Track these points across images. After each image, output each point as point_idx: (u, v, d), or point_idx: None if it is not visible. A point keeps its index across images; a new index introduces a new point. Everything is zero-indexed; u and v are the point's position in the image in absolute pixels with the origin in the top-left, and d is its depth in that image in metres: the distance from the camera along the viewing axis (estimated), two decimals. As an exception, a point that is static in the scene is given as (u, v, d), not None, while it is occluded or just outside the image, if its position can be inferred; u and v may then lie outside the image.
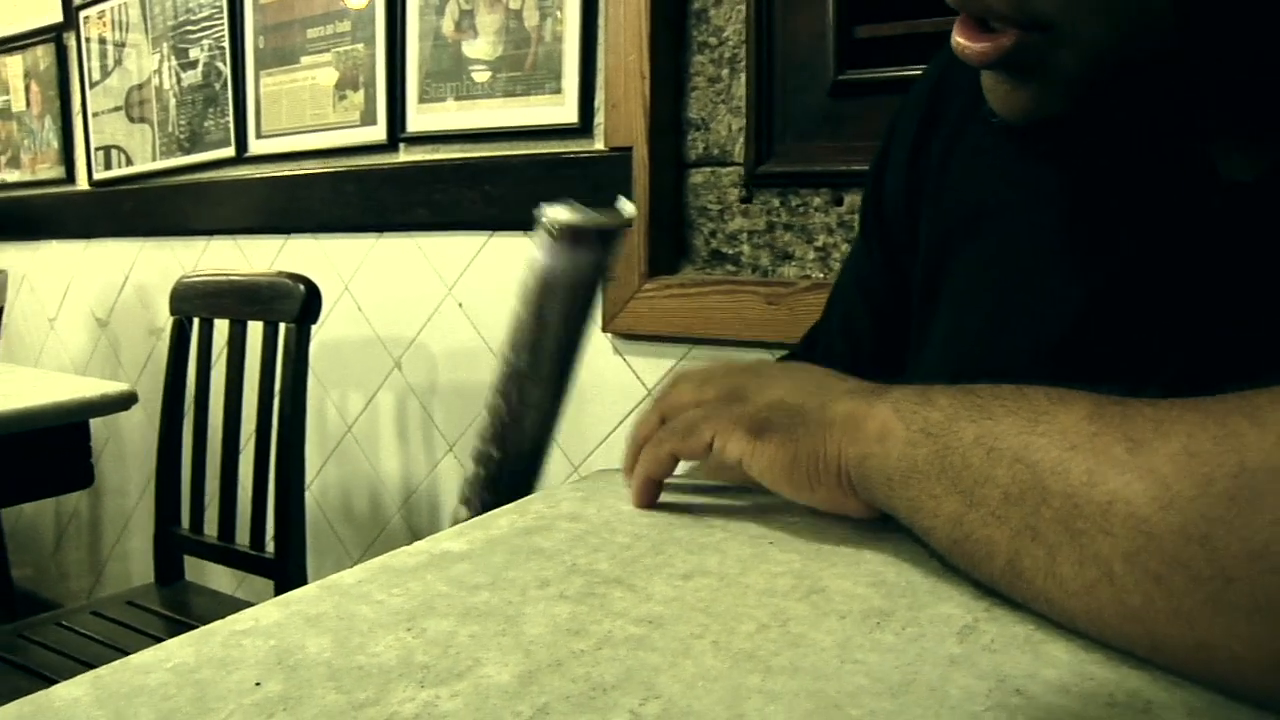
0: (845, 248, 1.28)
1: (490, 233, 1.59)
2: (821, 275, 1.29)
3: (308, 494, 1.81)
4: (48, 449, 1.38)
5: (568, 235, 0.62)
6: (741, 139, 1.35)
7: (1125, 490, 0.37)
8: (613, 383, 1.47)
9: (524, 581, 0.45)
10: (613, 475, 0.62)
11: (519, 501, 0.58)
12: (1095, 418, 0.40)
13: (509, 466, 0.67)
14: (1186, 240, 0.51)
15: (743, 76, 1.34)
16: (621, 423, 1.47)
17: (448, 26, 1.61)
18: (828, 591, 0.43)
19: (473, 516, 0.60)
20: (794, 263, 1.32)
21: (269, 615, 0.42)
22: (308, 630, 0.40)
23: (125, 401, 1.37)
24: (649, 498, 0.57)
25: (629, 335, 1.43)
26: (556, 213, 0.63)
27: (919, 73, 1.17)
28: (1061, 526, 0.38)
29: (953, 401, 0.45)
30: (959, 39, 0.48)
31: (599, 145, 1.45)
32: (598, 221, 0.63)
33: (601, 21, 1.43)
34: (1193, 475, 0.36)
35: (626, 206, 0.66)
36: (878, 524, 0.50)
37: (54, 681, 0.35)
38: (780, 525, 0.53)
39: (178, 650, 0.38)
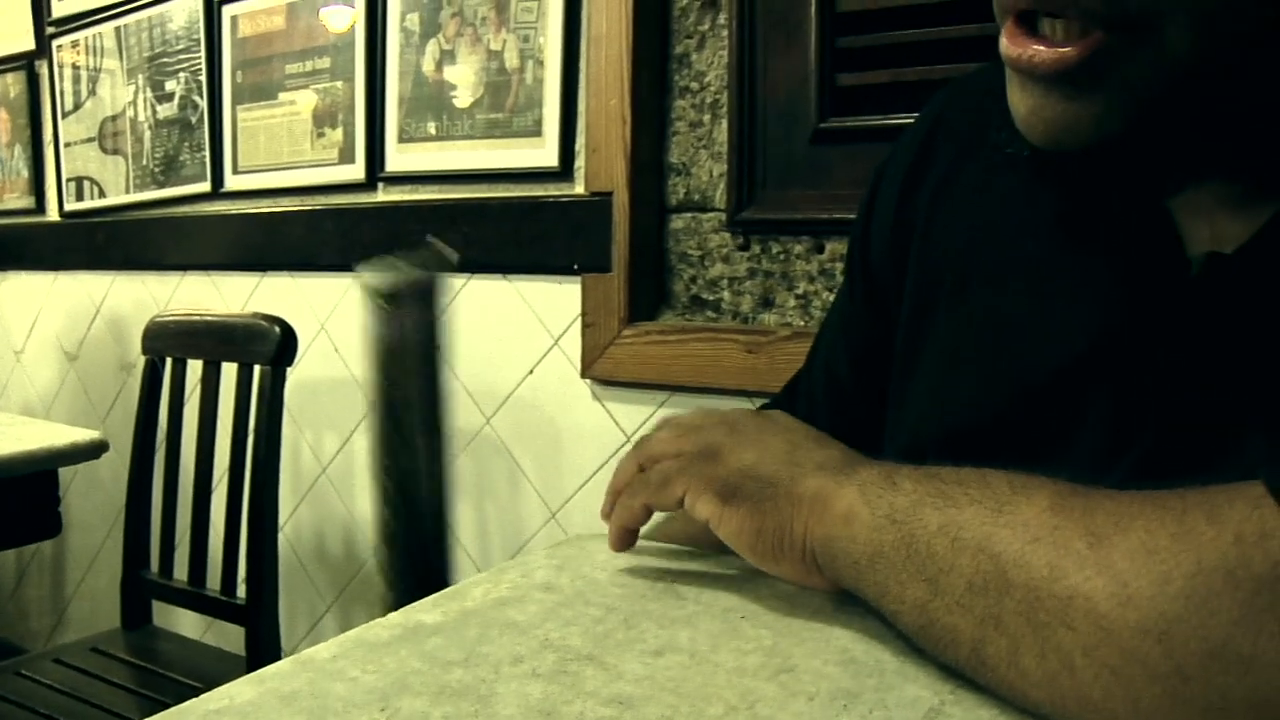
0: (826, 295, 1.30)
1: (469, 275, 1.61)
2: (803, 323, 1.32)
3: (280, 535, 1.81)
4: (13, 498, 1.38)
5: (387, 297, 0.64)
6: (723, 185, 1.38)
7: (1085, 585, 0.39)
8: (591, 429, 1.49)
9: (497, 658, 0.46)
10: (586, 542, 0.64)
11: (494, 570, 0.59)
12: (1057, 509, 0.42)
13: (407, 525, 0.69)
14: (1166, 308, 0.52)
15: (724, 122, 1.37)
16: (600, 469, 1.49)
17: (428, 66, 1.64)
18: (797, 671, 0.45)
19: (389, 587, 0.63)
20: (775, 310, 1.34)
21: (243, 693, 0.43)
22: (283, 710, 0.41)
23: (95, 450, 1.38)
24: (624, 545, 0.61)
25: (608, 381, 1.45)
26: (372, 276, 0.64)
27: (902, 121, 1.21)
28: (1024, 618, 0.40)
29: (918, 487, 0.47)
30: (1019, 47, 0.45)
31: (579, 189, 1.48)
32: (412, 278, 0.64)
33: (583, 65, 1.46)
34: (1151, 573, 0.38)
35: (442, 249, 0.68)
36: (847, 597, 0.52)
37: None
38: (753, 597, 0.54)
39: (153, 733, 0.39)
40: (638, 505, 0.58)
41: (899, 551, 0.46)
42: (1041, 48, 0.44)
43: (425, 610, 0.53)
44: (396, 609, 0.60)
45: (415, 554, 0.69)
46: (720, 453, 0.58)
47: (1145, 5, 0.42)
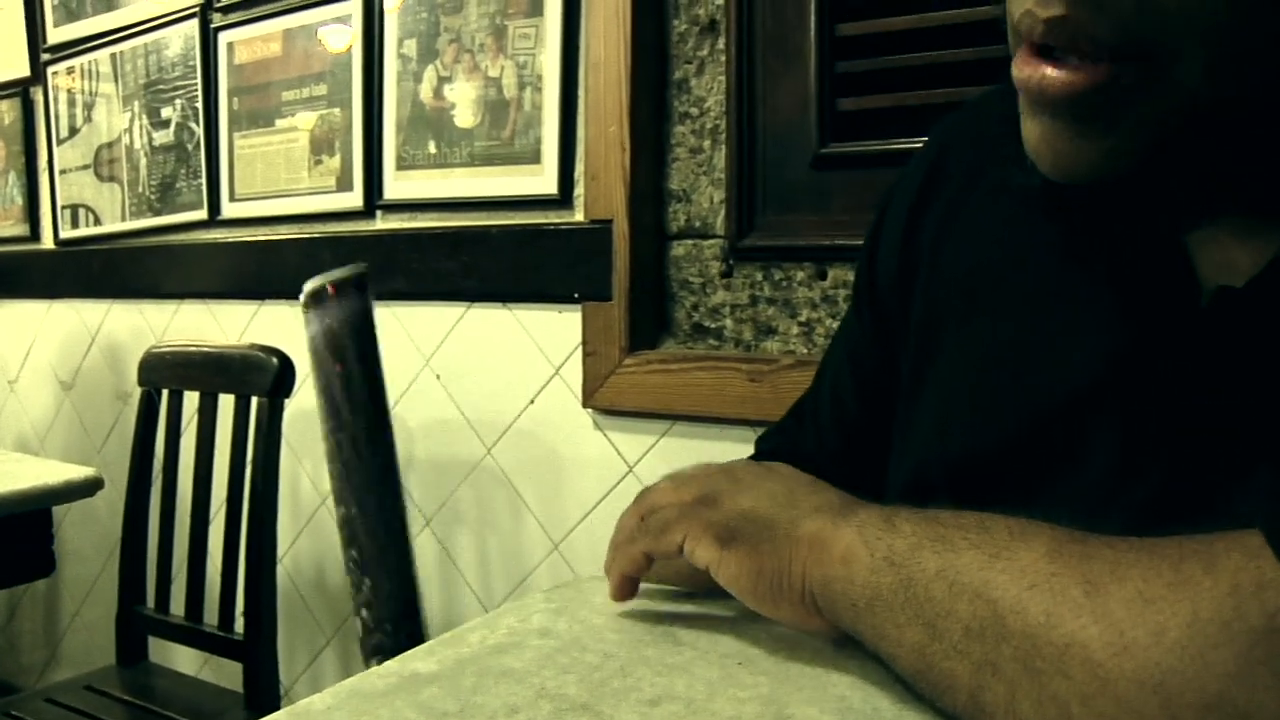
0: (829, 323, 1.31)
1: (468, 304, 1.63)
2: (805, 351, 1.33)
3: (280, 567, 1.82)
4: (4, 537, 1.37)
5: (307, 300, 0.71)
6: (724, 211, 1.39)
7: (1081, 634, 0.40)
8: (594, 459, 1.49)
9: (492, 708, 0.47)
10: (584, 584, 0.65)
11: (491, 615, 0.60)
12: (1054, 556, 0.43)
13: (361, 519, 0.71)
14: (1175, 339, 0.52)
15: (725, 148, 1.39)
16: (603, 499, 1.49)
17: (426, 92, 1.66)
18: (793, 720, 0.46)
19: (361, 593, 0.65)
20: (777, 337, 1.36)
21: (239, 748, 0.44)
22: (277, 766, 0.42)
23: (90, 488, 1.38)
24: (625, 594, 0.61)
25: (610, 411, 1.46)
26: (305, 287, 0.71)
27: (903, 146, 1.23)
28: (1020, 665, 0.41)
29: (916, 530, 0.48)
30: (1032, 71, 0.45)
31: (579, 216, 1.49)
32: (331, 277, 0.71)
33: (581, 92, 1.48)
34: (1147, 622, 0.38)
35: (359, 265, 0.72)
36: (845, 641, 0.52)
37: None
38: (750, 641, 0.55)
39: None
40: (638, 553, 0.59)
41: (897, 594, 0.47)
42: (1051, 71, 0.45)
43: (421, 658, 0.54)
44: (367, 605, 0.62)
45: (376, 545, 0.72)
46: (718, 498, 0.59)
47: (1157, 37, 0.42)
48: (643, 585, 0.63)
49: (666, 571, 0.67)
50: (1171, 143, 0.45)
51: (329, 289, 0.70)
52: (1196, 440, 0.50)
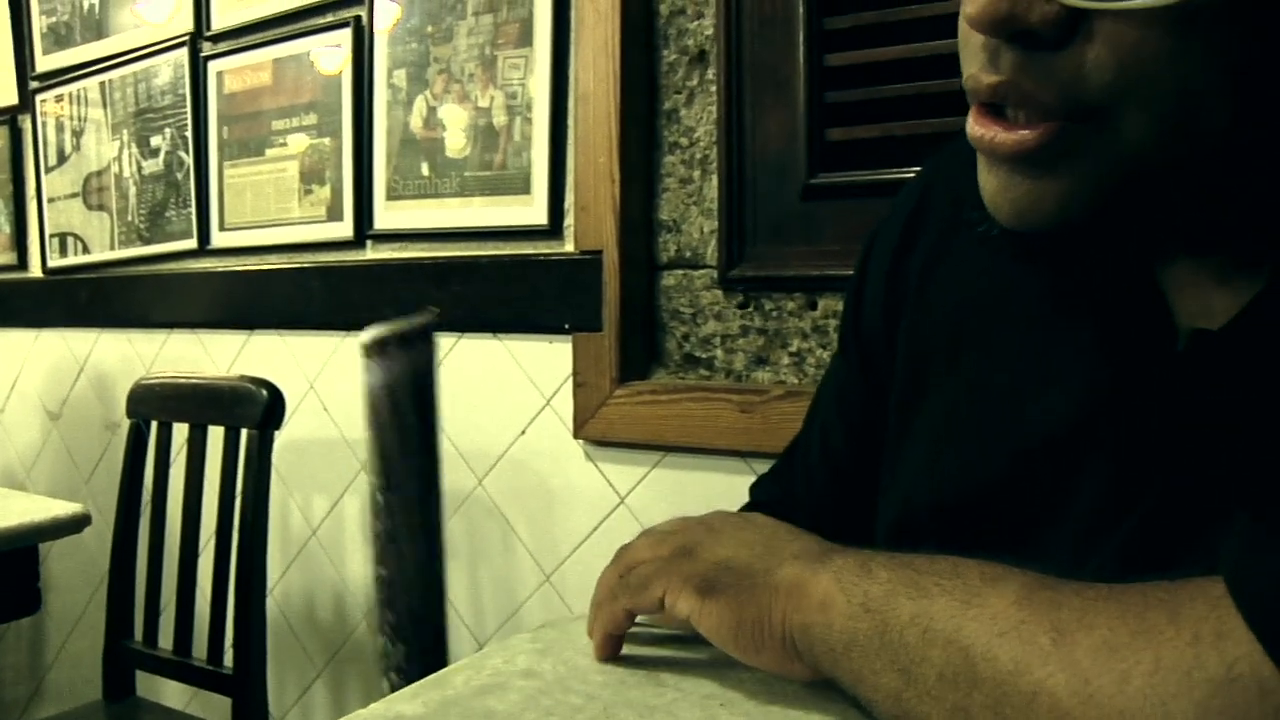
0: (820, 353, 1.33)
1: (459, 334, 1.65)
2: (797, 381, 1.35)
3: (269, 600, 1.84)
4: (-10, 575, 1.37)
5: (371, 349, 0.67)
6: (714, 241, 1.41)
7: (1049, 681, 0.42)
8: (585, 490, 1.51)
9: (476, 752, 0.49)
10: (569, 625, 0.67)
11: (477, 656, 0.62)
12: (1023, 603, 0.45)
13: (398, 582, 0.71)
14: (1153, 381, 0.54)
15: (714, 178, 1.41)
16: (595, 530, 1.51)
17: (415, 122, 1.69)
18: (770, 762, 0.48)
19: (386, 642, 0.65)
20: (768, 368, 1.37)
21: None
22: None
23: (78, 524, 1.39)
24: (609, 653, 0.62)
25: (601, 442, 1.48)
26: (366, 334, 0.67)
27: (892, 177, 1.25)
28: (991, 711, 0.43)
29: (891, 576, 0.50)
30: (983, 129, 0.48)
31: (569, 247, 1.51)
32: (398, 329, 0.67)
33: (571, 122, 1.50)
34: (1111, 671, 0.40)
35: (429, 312, 0.70)
36: (825, 684, 0.54)
37: None
38: (733, 683, 0.57)
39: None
40: (619, 610, 0.61)
41: (873, 640, 0.49)
42: (1002, 132, 0.47)
43: (406, 700, 0.55)
44: (397, 670, 0.63)
45: (413, 611, 0.71)
46: (696, 550, 0.61)
47: (1099, 100, 0.44)
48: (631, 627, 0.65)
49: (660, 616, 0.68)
50: (1125, 189, 0.46)
51: (393, 338, 0.68)
52: (1179, 480, 0.52)
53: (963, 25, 0.47)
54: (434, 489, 0.72)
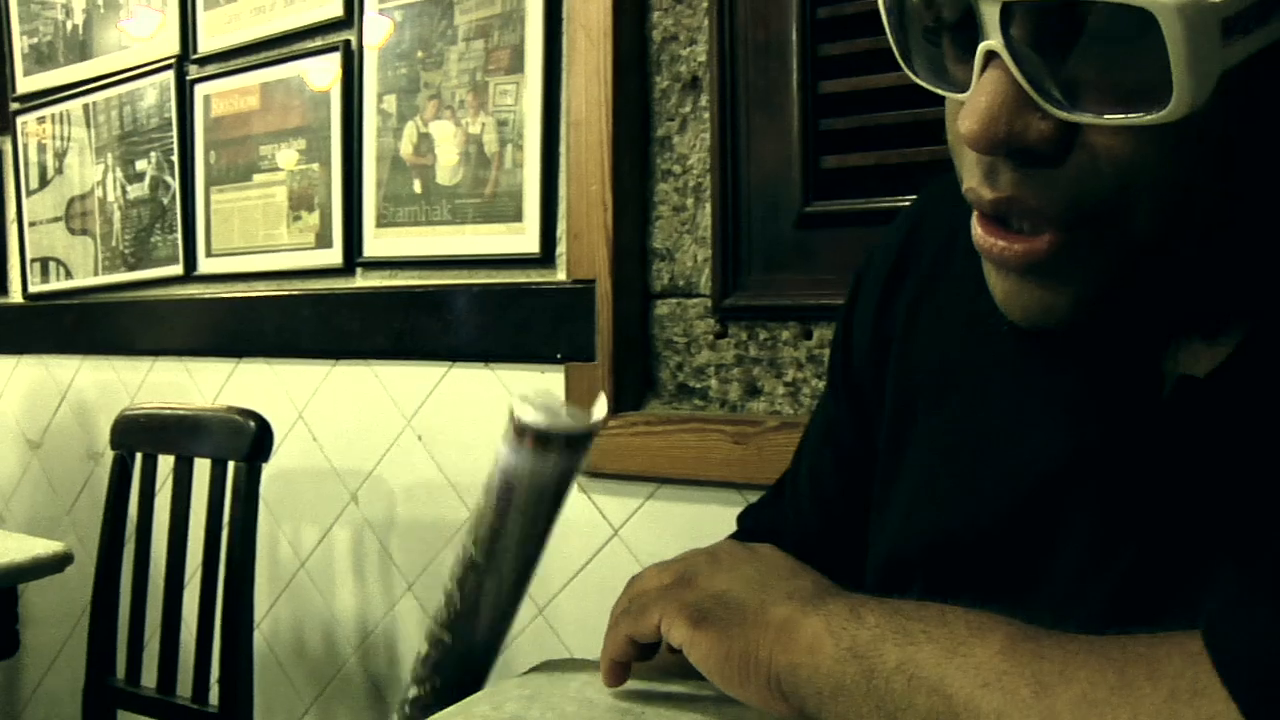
0: (815, 383, 1.36)
1: (450, 363, 1.67)
2: (791, 411, 1.37)
3: (257, 633, 1.85)
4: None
5: (534, 437, 0.64)
6: (708, 270, 1.44)
7: None
8: (578, 522, 1.53)
9: (464, 801, 0.51)
10: (557, 670, 0.69)
11: (465, 702, 0.64)
12: (1007, 654, 0.47)
13: (459, 652, 0.73)
14: (1139, 427, 0.56)
15: (708, 206, 1.44)
16: (589, 562, 1.53)
17: (406, 148, 1.71)
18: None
19: (420, 695, 0.66)
20: (763, 397, 1.40)
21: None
22: None
23: (59, 563, 1.38)
24: (615, 680, 0.65)
25: (594, 473, 1.50)
26: (525, 410, 0.64)
27: (886, 205, 1.27)
28: None
29: (880, 622, 0.52)
30: (989, 238, 0.49)
31: (561, 275, 1.54)
32: (567, 427, 0.64)
33: (563, 149, 1.53)
34: None
35: (600, 407, 0.67)
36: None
37: None
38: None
39: None
40: (621, 637, 0.63)
41: (859, 686, 0.51)
42: (1005, 242, 0.49)
43: (396, 749, 0.57)
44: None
45: (454, 672, 0.72)
46: (694, 579, 0.63)
47: (1101, 204, 0.46)
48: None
49: (671, 665, 0.70)
50: (1131, 280, 0.49)
51: (561, 437, 0.64)
52: (1165, 525, 0.54)
53: (953, 132, 0.50)
54: (528, 581, 0.71)
